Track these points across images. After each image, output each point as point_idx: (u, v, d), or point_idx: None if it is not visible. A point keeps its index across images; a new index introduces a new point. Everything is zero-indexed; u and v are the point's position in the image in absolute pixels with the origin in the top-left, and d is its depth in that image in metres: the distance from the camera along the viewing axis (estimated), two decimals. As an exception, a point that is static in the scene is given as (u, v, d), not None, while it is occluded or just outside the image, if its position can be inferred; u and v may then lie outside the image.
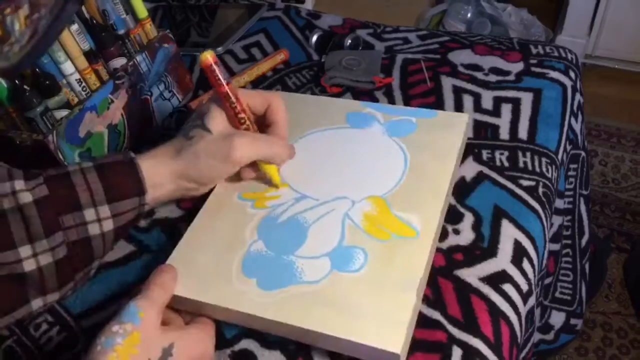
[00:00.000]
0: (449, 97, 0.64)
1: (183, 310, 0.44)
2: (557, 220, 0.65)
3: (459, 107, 0.62)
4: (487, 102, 0.63)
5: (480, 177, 0.54)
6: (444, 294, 0.45)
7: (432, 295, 0.45)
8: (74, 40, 0.54)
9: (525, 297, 0.47)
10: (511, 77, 0.65)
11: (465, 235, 0.49)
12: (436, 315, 0.44)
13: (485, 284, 0.46)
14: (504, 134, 0.59)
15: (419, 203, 0.47)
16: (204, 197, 0.51)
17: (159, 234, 0.53)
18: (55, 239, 0.43)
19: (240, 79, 0.69)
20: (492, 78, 0.66)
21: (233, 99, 0.48)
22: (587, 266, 0.81)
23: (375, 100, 0.64)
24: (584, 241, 0.78)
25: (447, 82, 0.65)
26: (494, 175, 0.55)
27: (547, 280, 0.71)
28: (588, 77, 1.66)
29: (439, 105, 0.63)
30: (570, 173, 0.69)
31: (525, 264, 0.48)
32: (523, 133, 0.59)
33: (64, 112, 0.54)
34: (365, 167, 0.51)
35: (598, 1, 1.61)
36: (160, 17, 0.86)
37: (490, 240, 0.49)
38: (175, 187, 0.49)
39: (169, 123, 0.66)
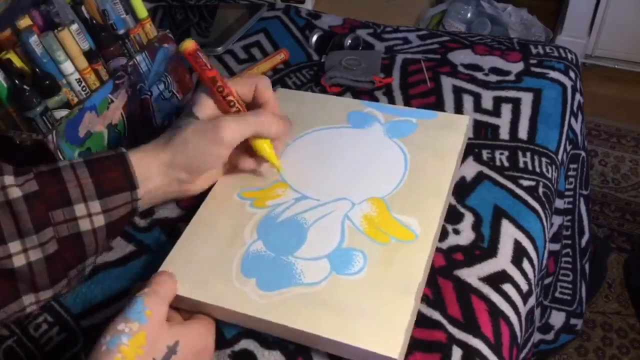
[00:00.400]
0: (449, 97, 0.63)
1: (181, 308, 0.44)
2: (557, 220, 0.65)
3: (459, 107, 0.62)
4: (487, 102, 0.62)
5: (480, 177, 0.54)
6: (443, 294, 0.45)
7: (432, 295, 0.45)
8: (73, 40, 0.54)
9: (525, 297, 0.47)
10: (511, 77, 0.65)
11: (465, 235, 0.49)
12: (436, 315, 0.44)
13: (485, 284, 0.46)
14: (504, 134, 0.59)
15: (418, 205, 0.47)
16: (203, 196, 0.51)
17: (159, 234, 0.53)
18: (45, 234, 0.42)
19: (240, 79, 0.69)
20: (492, 78, 0.66)
21: (220, 82, 0.48)
22: (587, 266, 0.81)
23: (376, 100, 0.64)
24: (584, 241, 0.78)
25: (447, 82, 0.65)
26: (494, 175, 0.55)
27: (547, 280, 0.71)
28: (588, 77, 1.66)
29: (439, 105, 0.63)
30: (570, 173, 0.69)
31: (525, 264, 0.48)
32: (523, 133, 0.59)
33: (63, 112, 0.54)
34: (365, 168, 0.51)
35: (598, 1, 1.61)
36: (160, 17, 0.86)
37: (490, 240, 0.49)
38: (165, 179, 0.48)
39: (169, 123, 0.66)
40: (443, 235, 0.49)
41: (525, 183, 0.54)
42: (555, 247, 0.67)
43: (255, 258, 0.45)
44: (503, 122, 0.60)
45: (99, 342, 0.36)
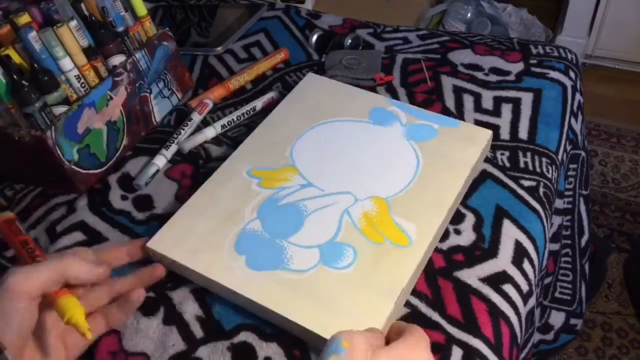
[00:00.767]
0: (449, 97, 0.63)
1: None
2: (557, 220, 0.65)
3: (459, 107, 0.62)
4: (487, 102, 0.62)
5: (482, 177, 0.54)
6: (443, 295, 0.45)
7: (432, 295, 0.45)
8: (72, 37, 0.53)
9: (525, 297, 0.47)
10: (511, 77, 0.65)
11: (466, 235, 0.49)
12: (435, 316, 0.44)
13: (486, 285, 0.46)
14: (505, 134, 0.59)
15: (420, 212, 0.47)
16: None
17: (156, 227, 0.53)
18: None
19: (240, 78, 0.69)
20: (492, 78, 0.65)
21: (30, 244, 0.41)
22: (586, 266, 0.81)
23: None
24: (583, 241, 0.78)
25: (448, 82, 0.65)
26: (495, 175, 0.54)
27: (547, 280, 0.71)
28: (588, 77, 1.66)
29: (439, 104, 0.63)
30: (570, 173, 0.68)
31: (526, 265, 0.48)
32: (523, 133, 0.59)
33: (62, 108, 0.53)
34: (376, 167, 0.51)
35: (598, 1, 1.61)
36: (160, 16, 0.86)
37: (491, 241, 0.49)
38: None
39: (168, 121, 0.66)
40: (444, 235, 0.49)
41: (526, 183, 0.54)
42: (555, 247, 0.67)
43: (251, 236, 0.46)
44: (503, 122, 0.60)
45: None
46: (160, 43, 0.63)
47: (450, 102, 0.63)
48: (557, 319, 0.80)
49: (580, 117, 0.68)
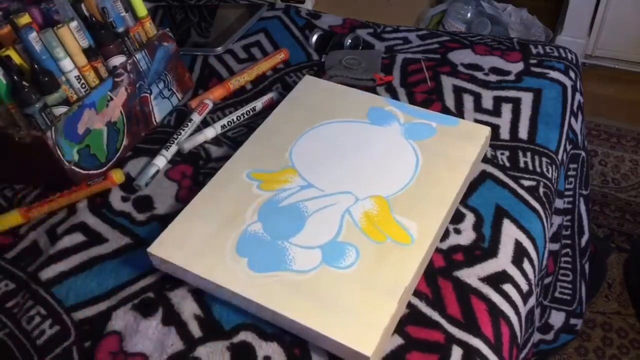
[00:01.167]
0: (449, 97, 0.63)
1: None
2: (557, 220, 0.65)
3: (459, 107, 0.62)
4: (487, 102, 0.62)
5: (482, 177, 0.54)
6: (443, 294, 0.45)
7: (432, 295, 0.45)
8: (73, 37, 0.53)
9: (525, 297, 0.47)
10: (511, 77, 0.65)
11: (466, 235, 0.49)
12: (435, 315, 0.44)
13: (486, 284, 0.46)
14: (504, 133, 0.59)
15: (420, 210, 0.47)
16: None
17: (156, 228, 0.53)
18: None
19: (240, 78, 0.69)
20: (492, 78, 0.65)
21: None
22: (586, 266, 0.81)
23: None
24: (583, 241, 0.78)
25: (448, 82, 0.65)
26: (495, 175, 0.55)
27: (547, 280, 0.71)
28: (588, 77, 1.66)
29: (439, 104, 0.63)
30: (570, 173, 0.68)
31: (526, 264, 0.48)
32: (523, 133, 0.59)
33: (62, 109, 0.54)
34: (375, 166, 0.51)
35: (598, 1, 1.61)
36: (160, 17, 0.86)
37: (491, 241, 0.49)
38: None
39: (169, 121, 0.66)
40: (444, 235, 0.49)
41: (526, 183, 0.54)
42: (555, 247, 0.67)
43: (252, 238, 0.46)
44: (503, 122, 0.60)
45: None
46: (161, 44, 0.63)
47: (450, 102, 0.63)
48: (557, 318, 0.80)
49: (580, 117, 0.68)
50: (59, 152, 0.53)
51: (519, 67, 0.67)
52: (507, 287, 0.46)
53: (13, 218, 0.54)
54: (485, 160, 0.56)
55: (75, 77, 0.55)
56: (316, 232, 0.46)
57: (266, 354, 0.43)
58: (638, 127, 1.52)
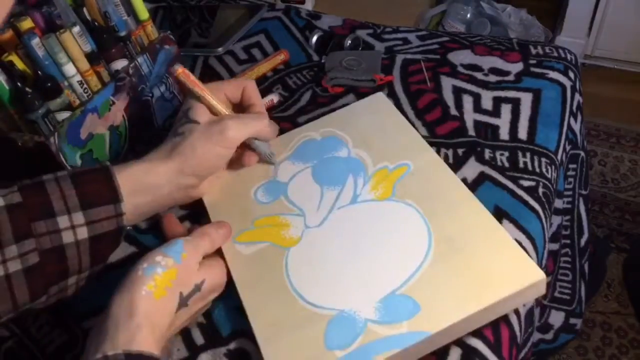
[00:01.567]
0: (449, 97, 0.64)
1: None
2: (556, 220, 0.65)
3: (458, 107, 0.62)
4: (486, 102, 0.63)
5: (481, 178, 0.55)
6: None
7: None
8: (75, 42, 0.54)
9: (525, 297, 0.47)
10: (511, 78, 0.66)
11: (465, 235, 0.49)
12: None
13: (485, 284, 0.46)
14: (504, 134, 0.59)
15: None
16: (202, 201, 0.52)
17: (160, 235, 0.53)
18: (26, 245, 0.41)
19: (240, 80, 0.69)
20: (492, 78, 0.66)
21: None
22: (586, 266, 0.82)
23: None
24: (583, 241, 0.78)
25: (447, 82, 0.66)
26: (494, 175, 0.55)
27: (546, 280, 0.71)
28: (587, 77, 1.66)
29: (438, 104, 0.63)
30: (569, 173, 0.69)
31: (525, 264, 0.48)
32: (523, 133, 0.59)
33: (65, 114, 0.54)
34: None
35: (597, 2, 1.62)
36: (160, 17, 0.86)
37: (490, 241, 0.49)
38: (174, 186, 0.49)
39: (170, 124, 0.66)
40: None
41: (526, 183, 0.54)
42: (555, 246, 0.67)
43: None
44: (503, 122, 0.60)
45: (135, 267, 0.40)
46: (162, 47, 0.63)
47: (450, 102, 0.63)
48: (556, 318, 0.80)
49: (579, 117, 0.69)
50: (62, 158, 0.53)
51: (518, 67, 0.67)
52: (507, 288, 0.46)
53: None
54: (486, 160, 0.56)
55: (77, 82, 0.55)
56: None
57: None
58: (637, 127, 1.52)
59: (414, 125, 0.57)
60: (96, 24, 0.56)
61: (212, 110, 0.51)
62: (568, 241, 0.75)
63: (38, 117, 0.51)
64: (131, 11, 0.60)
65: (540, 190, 0.54)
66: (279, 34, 0.78)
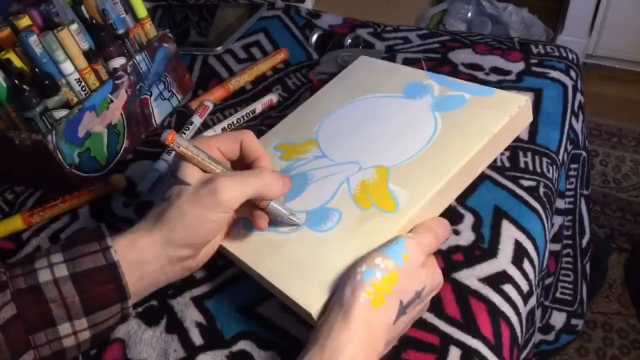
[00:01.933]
0: (449, 97, 0.63)
1: None
2: (558, 220, 0.65)
3: (459, 107, 0.62)
4: (487, 102, 0.62)
5: (480, 178, 0.54)
6: (442, 295, 0.45)
7: (432, 295, 0.45)
8: (73, 40, 0.53)
9: (525, 297, 0.47)
10: (512, 77, 0.65)
11: (465, 235, 0.49)
12: (431, 317, 0.44)
13: (485, 285, 0.46)
14: (505, 134, 0.59)
15: (416, 179, 0.45)
16: None
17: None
18: (24, 359, 0.39)
19: (239, 79, 0.69)
20: (493, 77, 0.65)
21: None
22: (587, 266, 0.81)
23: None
24: (584, 241, 0.77)
25: (448, 82, 0.65)
26: (494, 175, 0.54)
27: (548, 281, 0.71)
28: (589, 76, 1.66)
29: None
30: (571, 173, 0.68)
31: (526, 265, 0.48)
32: (524, 133, 0.59)
33: (63, 112, 0.54)
34: (390, 137, 0.51)
35: (599, 1, 1.61)
36: (159, 16, 0.86)
37: (491, 241, 0.49)
38: (163, 260, 0.42)
39: (169, 123, 0.66)
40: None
41: (526, 183, 0.54)
42: (556, 247, 0.67)
43: None
44: (504, 122, 0.60)
45: (354, 270, 0.37)
46: (161, 45, 0.63)
47: (450, 102, 0.63)
48: (558, 319, 0.80)
49: (581, 117, 0.68)
50: (59, 156, 0.53)
51: (519, 66, 0.67)
52: (507, 288, 0.46)
53: (14, 223, 0.54)
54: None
55: (75, 79, 0.55)
56: (310, 198, 0.47)
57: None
58: (639, 126, 1.52)
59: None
60: (94, 21, 0.56)
61: (205, 170, 0.43)
62: (570, 242, 0.75)
63: (35, 115, 0.51)
64: (129, 9, 0.60)
65: (541, 190, 0.53)
66: (279, 33, 0.77)
